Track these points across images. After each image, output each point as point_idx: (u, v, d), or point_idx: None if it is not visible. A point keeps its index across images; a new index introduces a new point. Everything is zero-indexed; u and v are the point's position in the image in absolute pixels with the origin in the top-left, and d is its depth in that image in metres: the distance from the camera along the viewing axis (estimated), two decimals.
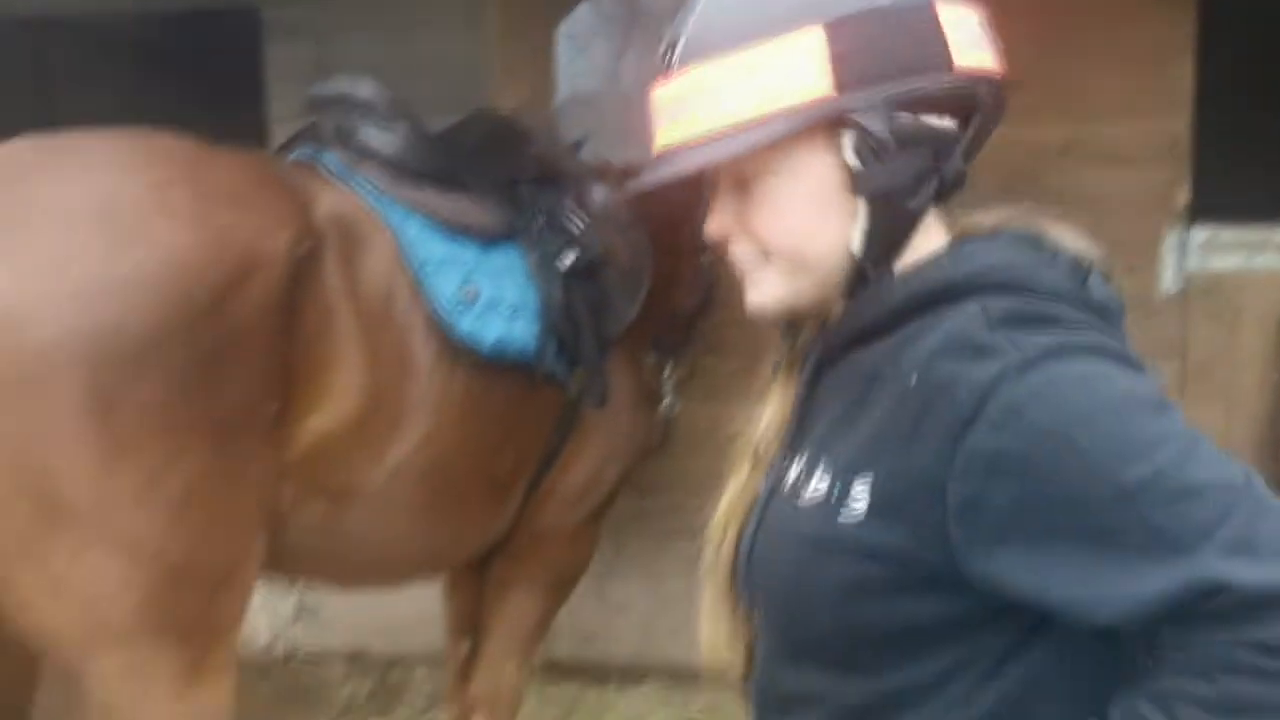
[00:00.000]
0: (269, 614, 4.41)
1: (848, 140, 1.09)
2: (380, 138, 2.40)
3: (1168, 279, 3.68)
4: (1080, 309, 1.08)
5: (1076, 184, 3.66)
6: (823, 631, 1.13)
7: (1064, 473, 0.96)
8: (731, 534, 1.26)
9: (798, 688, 1.18)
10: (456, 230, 2.38)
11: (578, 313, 2.50)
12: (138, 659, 1.86)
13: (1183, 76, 3.62)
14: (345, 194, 2.26)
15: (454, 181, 2.50)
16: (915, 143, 1.10)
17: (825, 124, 1.09)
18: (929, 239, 1.16)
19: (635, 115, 1.39)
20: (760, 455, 1.26)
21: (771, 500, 1.20)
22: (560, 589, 2.87)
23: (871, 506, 1.06)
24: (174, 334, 1.80)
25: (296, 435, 2.04)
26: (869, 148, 1.09)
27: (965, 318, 1.05)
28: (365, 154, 2.37)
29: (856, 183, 1.10)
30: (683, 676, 4.18)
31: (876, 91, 1.07)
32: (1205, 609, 0.93)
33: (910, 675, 1.09)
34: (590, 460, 2.69)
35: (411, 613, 4.30)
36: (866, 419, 1.09)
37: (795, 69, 1.07)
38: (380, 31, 4.17)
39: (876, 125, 1.08)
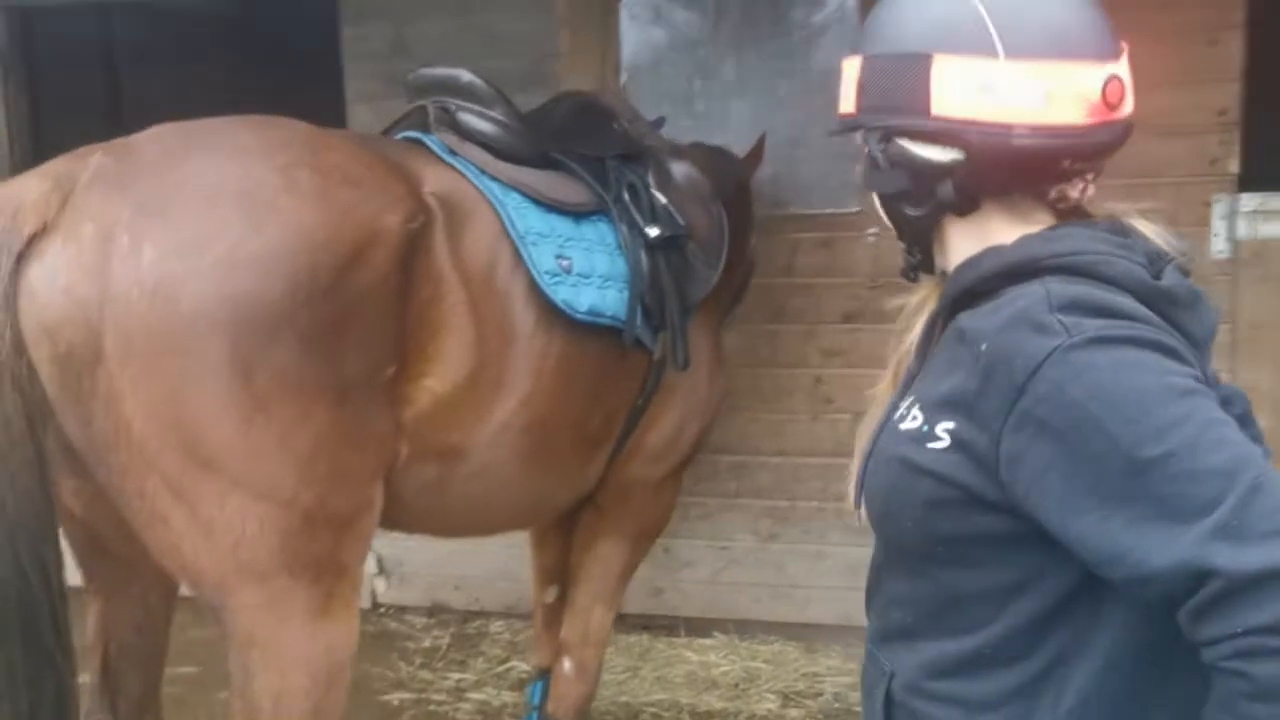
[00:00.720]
0: None
1: (865, 151, 1.41)
2: (480, 121, 2.58)
3: (1218, 245, 3.79)
4: (1147, 295, 1.24)
5: (1130, 153, 3.74)
6: (908, 537, 1.35)
7: (1089, 444, 1.13)
8: (864, 443, 1.50)
9: (891, 589, 1.42)
10: (551, 206, 2.56)
11: (663, 282, 2.69)
12: (276, 593, 2.06)
13: (1232, 50, 3.72)
14: (450, 173, 2.43)
15: (547, 160, 2.69)
16: (898, 165, 1.37)
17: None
18: (1001, 235, 1.35)
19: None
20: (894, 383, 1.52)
21: (886, 426, 1.42)
22: (644, 539, 3.07)
23: (949, 445, 1.27)
24: (304, 303, 2.00)
25: (412, 395, 2.23)
26: (870, 159, 1.40)
27: (1032, 299, 1.22)
28: (467, 136, 2.56)
29: (864, 181, 1.44)
30: (747, 629, 4.40)
31: (878, 118, 1.37)
32: (1203, 597, 1.07)
33: (974, 582, 1.30)
34: (673, 419, 2.87)
35: (488, 569, 4.56)
36: (953, 376, 1.28)
37: (848, 87, 1.41)
38: (452, 12, 4.34)
39: (873, 144, 1.38)
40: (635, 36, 4.30)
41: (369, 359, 2.12)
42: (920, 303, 1.51)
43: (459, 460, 2.38)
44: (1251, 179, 3.83)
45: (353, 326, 2.08)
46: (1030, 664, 1.27)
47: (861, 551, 4.43)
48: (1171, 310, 1.26)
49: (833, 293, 4.18)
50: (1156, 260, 1.30)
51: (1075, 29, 1.30)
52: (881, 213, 1.46)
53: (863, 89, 1.37)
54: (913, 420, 1.33)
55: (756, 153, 3.65)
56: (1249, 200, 3.77)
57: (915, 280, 1.50)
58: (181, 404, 1.95)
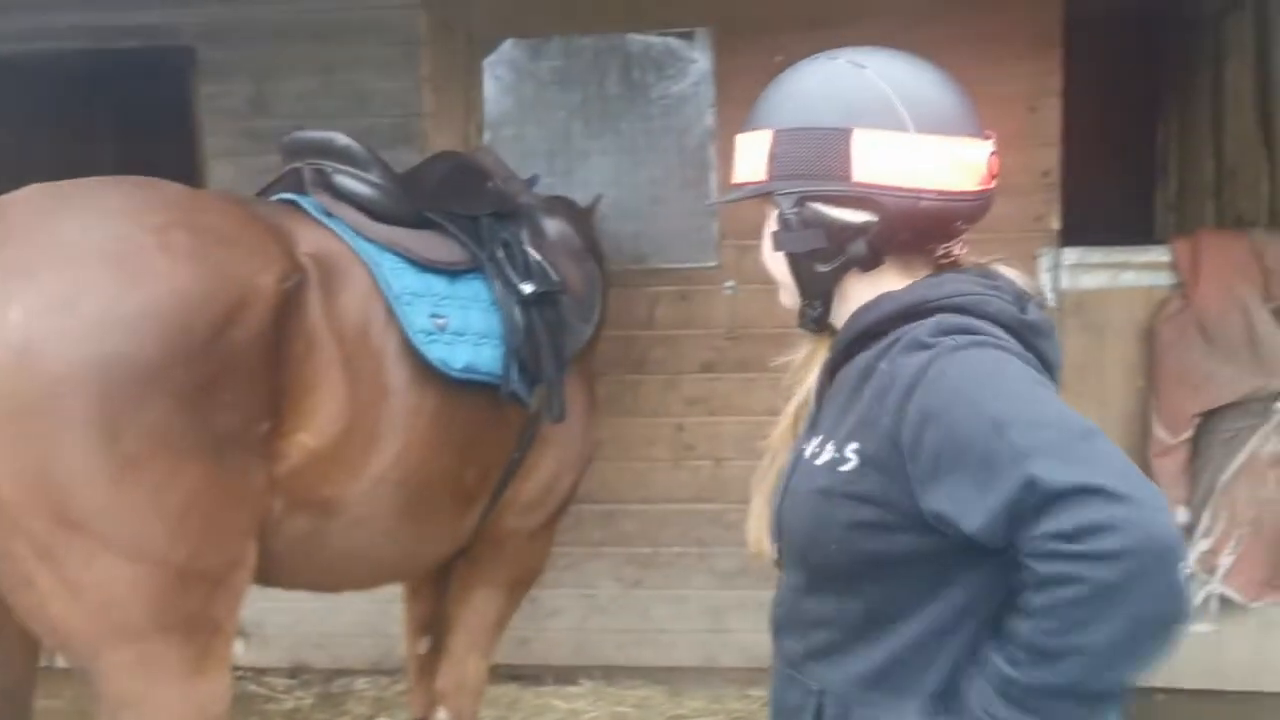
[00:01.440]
0: None
1: (774, 213, 1.54)
2: (355, 183, 2.65)
3: (1043, 296, 4.08)
4: (1017, 327, 1.45)
5: None
6: (833, 560, 1.48)
7: (965, 419, 1.30)
8: (768, 487, 1.65)
9: (815, 612, 1.54)
10: (426, 265, 2.63)
11: (538, 336, 2.77)
12: (148, 653, 2.06)
13: (1051, 116, 4.04)
14: (325, 234, 2.48)
15: (422, 220, 2.75)
16: (814, 226, 1.51)
17: (768, 197, 1.54)
18: (904, 283, 1.52)
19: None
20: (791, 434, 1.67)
21: (796, 467, 1.56)
22: (519, 588, 3.13)
23: (859, 464, 1.42)
24: (176, 362, 2.02)
25: (286, 451, 2.26)
26: (783, 221, 1.53)
27: (920, 328, 1.41)
28: (342, 197, 2.62)
29: (774, 241, 1.56)
30: (613, 675, 4.46)
31: (792, 184, 1.51)
32: (1025, 507, 1.24)
33: (899, 594, 1.44)
34: (548, 469, 2.95)
35: (350, 626, 4.52)
36: (858, 405, 1.45)
37: (756, 156, 1.55)
38: (314, 70, 4.37)
39: (787, 207, 1.52)
40: (498, 96, 4.40)
41: (242, 416, 2.15)
42: (808, 357, 1.68)
43: (333, 514, 2.41)
44: (1071, 234, 4.15)
45: (226, 384, 2.10)
46: (945, 656, 1.43)
47: (723, 595, 4.60)
48: (1035, 339, 1.47)
49: (692, 343, 4.33)
50: (1020, 299, 1.51)
51: (962, 111, 1.51)
52: (785, 271, 1.58)
53: (774, 158, 1.51)
54: (825, 454, 1.48)
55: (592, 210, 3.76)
56: (1070, 254, 4.08)
57: (815, 331, 1.63)
58: (49, 465, 1.95)
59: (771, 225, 1.56)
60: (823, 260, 1.53)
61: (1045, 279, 4.07)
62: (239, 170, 4.27)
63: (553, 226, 3.04)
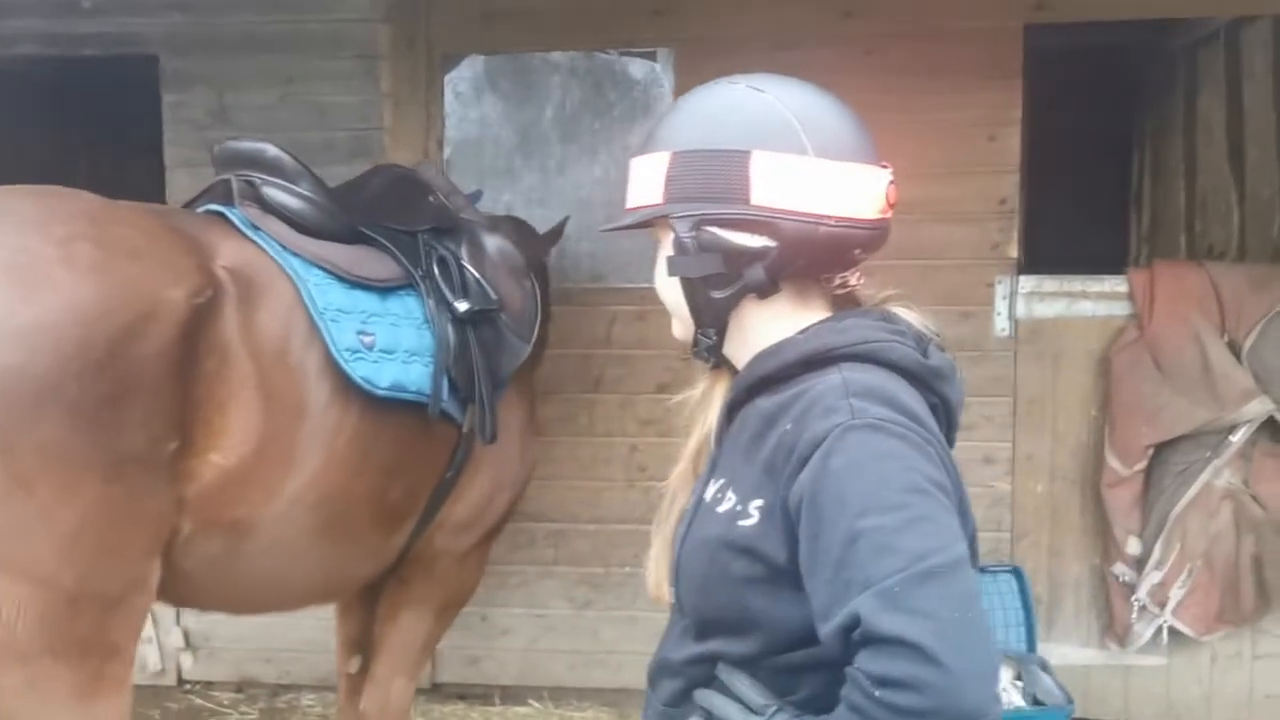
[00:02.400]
0: (159, 642, 4.51)
1: (670, 237, 1.48)
2: (284, 195, 2.61)
3: (1000, 324, 4.06)
4: (920, 373, 1.43)
5: (921, 237, 4.02)
6: (722, 612, 1.45)
7: (831, 518, 1.28)
8: (669, 529, 1.61)
9: (699, 651, 1.50)
10: (355, 282, 2.59)
11: (472, 355, 2.74)
12: (38, 675, 2.03)
13: (1011, 145, 4.02)
14: (249, 247, 2.45)
15: (355, 234, 2.72)
16: (711, 250, 1.46)
17: (662, 221, 1.49)
18: (790, 318, 1.50)
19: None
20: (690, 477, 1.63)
21: (697, 512, 1.53)
22: (448, 611, 3.09)
23: (759, 520, 1.39)
24: (72, 377, 1.99)
25: (196, 470, 2.22)
26: (679, 244, 1.47)
27: (829, 386, 1.38)
28: (271, 210, 2.58)
29: (670, 266, 1.49)
30: (562, 696, 4.43)
31: (689, 207, 1.46)
32: (850, 635, 1.24)
33: (777, 643, 1.42)
34: (481, 490, 2.91)
35: (299, 641, 4.48)
36: (761, 453, 1.42)
37: (650, 179, 1.50)
38: (276, 82, 4.35)
39: (683, 230, 1.47)
40: (460, 112, 4.38)
41: (147, 434, 2.11)
42: (705, 394, 1.64)
43: (247, 535, 2.37)
44: (1033, 261, 4.13)
45: (129, 401, 2.07)
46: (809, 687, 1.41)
47: None
48: (938, 383, 1.46)
49: (648, 364, 4.29)
50: (921, 341, 1.49)
51: (861, 138, 1.48)
52: (679, 299, 1.52)
53: (670, 180, 1.47)
54: (727, 502, 1.45)
55: (556, 233, 3.74)
56: (1026, 282, 4.05)
57: (708, 360, 1.59)
58: None
59: (666, 250, 1.51)
60: (718, 286, 1.48)
61: (1001, 306, 4.04)
62: (198, 180, 4.17)
63: (493, 243, 2.99)
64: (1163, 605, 3.92)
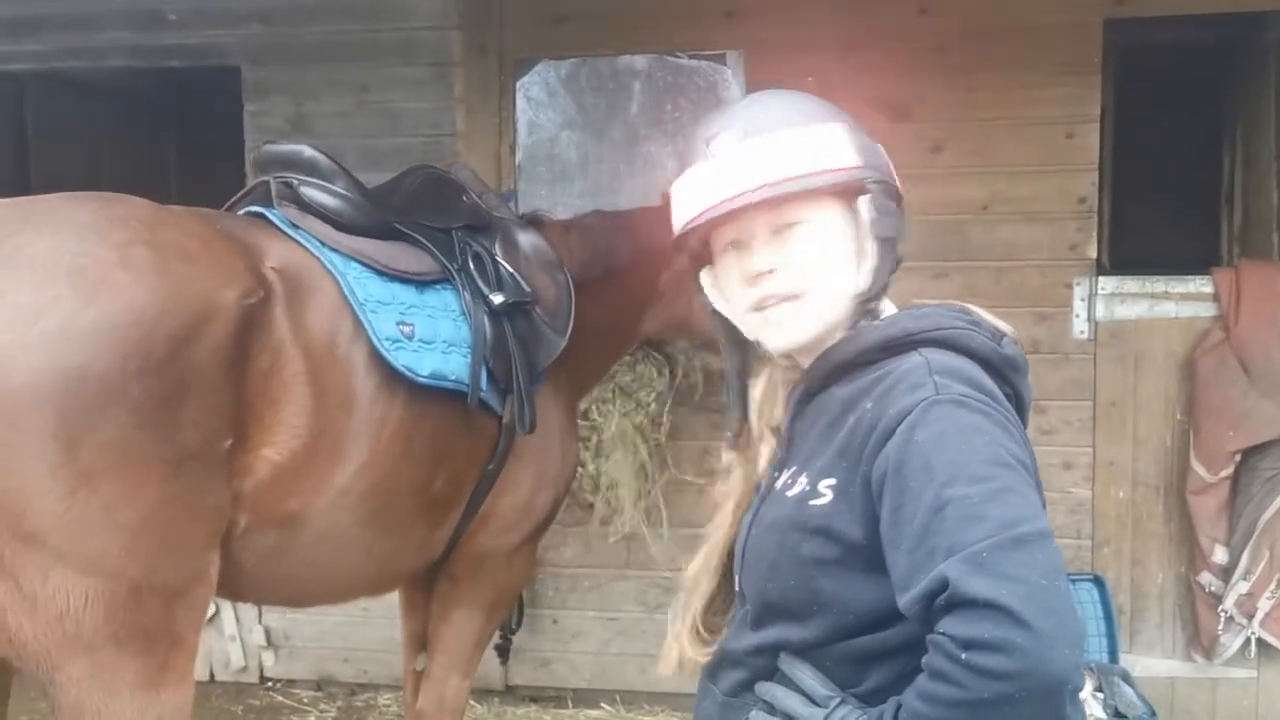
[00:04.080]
0: (242, 640, 4.62)
1: (864, 200, 1.51)
2: (321, 194, 2.66)
3: (1079, 325, 3.95)
4: (997, 363, 1.45)
5: (994, 239, 3.95)
6: (789, 595, 1.45)
7: (916, 488, 1.29)
8: (721, 540, 1.64)
9: (760, 641, 1.50)
10: (392, 275, 2.63)
11: (509, 346, 2.76)
12: (104, 665, 2.07)
13: (1089, 142, 3.92)
14: (292, 246, 2.50)
15: (390, 231, 2.76)
16: (894, 212, 1.53)
17: (846, 187, 1.51)
18: (885, 301, 1.55)
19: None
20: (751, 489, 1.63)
21: (764, 502, 1.54)
22: (498, 609, 3.10)
23: (831, 499, 1.41)
24: (134, 376, 2.03)
25: (251, 465, 2.27)
26: (879, 206, 1.51)
27: (912, 365, 1.40)
28: (309, 209, 2.63)
29: (873, 227, 1.50)
30: (634, 699, 4.42)
31: (876, 173, 1.52)
32: (936, 601, 1.22)
33: (841, 628, 1.42)
34: (525, 486, 2.92)
35: (376, 640, 4.54)
36: (837, 437, 1.43)
37: (834, 146, 1.51)
38: (351, 90, 4.44)
39: (878, 194, 1.51)
40: (530, 116, 4.42)
41: (204, 431, 2.16)
42: (769, 386, 1.64)
43: (299, 527, 2.41)
44: (1119, 262, 4.02)
45: (187, 400, 2.12)
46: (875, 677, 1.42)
47: None
48: (1012, 374, 1.48)
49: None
50: (996, 335, 1.50)
51: None
52: (873, 260, 1.51)
53: (860, 148, 1.53)
54: (798, 486, 1.46)
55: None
56: (1106, 283, 3.94)
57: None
58: (5, 477, 1.97)
59: (862, 213, 1.51)
60: (896, 246, 1.54)
61: (1080, 308, 3.94)
62: None
63: (525, 239, 3.02)
64: (1250, 616, 3.78)
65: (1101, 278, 3.95)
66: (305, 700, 4.56)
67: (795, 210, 1.50)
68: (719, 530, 1.67)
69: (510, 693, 4.50)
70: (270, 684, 4.63)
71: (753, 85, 4.16)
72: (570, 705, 4.46)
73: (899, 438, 1.32)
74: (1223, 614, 3.81)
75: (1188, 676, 3.99)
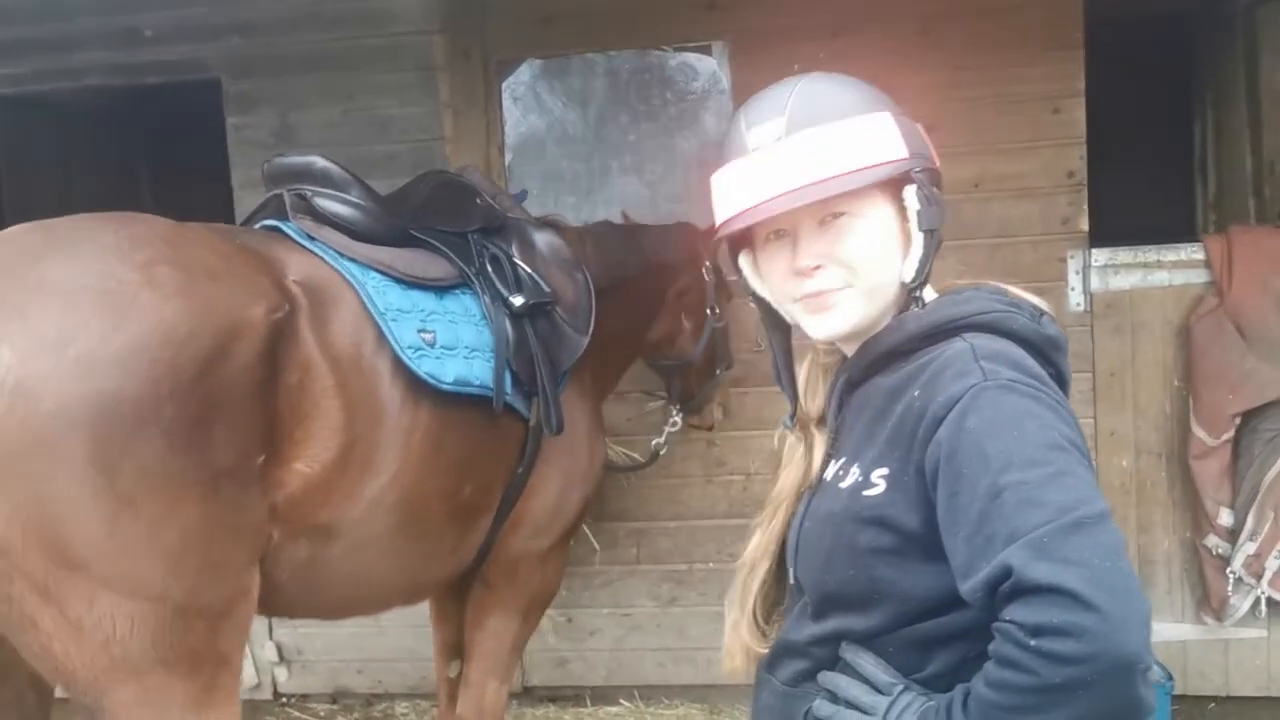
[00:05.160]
0: (254, 657, 4.59)
1: (910, 190, 1.49)
2: (336, 204, 2.64)
3: (1075, 298, 3.99)
4: (1039, 343, 1.46)
5: (987, 216, 3.99)
6: (847, 586, 1.46)
7: (972, 475, 1.29)
8: (775, 532, 1.64)
9: (820, 631, 1.51)
10: (411, 282, 2.62)
11: (532, 348, 2.76)
12: (153, 689, 2.06)
13: (1076, 117, 3.96)
14: (311, 259, 2.48)
15: (406, 238, 2.75)
16: (939, 202, 1.52)
17: (888, 182, 1.49)
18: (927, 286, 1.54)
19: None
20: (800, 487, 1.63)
21: (815, 495, 1.55)
22: (534, 611, 3.10)
23: (885, 489, 1.41)
24: (167, 398, 2.02)
25: (283, 480, 2.26)
26: (925, 196, 1.49)
27: (958, 352, 1.40)
28: (324, 220, 2.61)
29: (920, 219, 1.49)
30: (652, 694, 4.44)
31: (922, 161, 1.51)
32: (1000, 588, 1.22)
33: (901, 615, 1.42)
34: (554, 487, 2.93)
35: (390, 650, 4.54)
36: (885, 426, 1.43)
37: (882, 138, 1.49)
38: (337, 99, 4.41)
39: (924, 184, 1.50)
40: (518, 117, 4.42)
41: (237, 449, 2.14)
42: (813, 373, 1.67)
43: (331, 538, 2.41)
44: (1098, 235, 4.07)
45: (219, 419, 2.10)
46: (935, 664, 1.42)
47: None
48: (1055, 354, 1.49)
49: None
50: (1035, 314, 1.50)
51: None
52: (920, 250, 1.50)
53: (906, 137, 1.50)
54: (850, 477, 1.47)
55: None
56: (1099, 255, 3.99)
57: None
58: (45, 505, 1.95)
59: (909, 204, 1.49)
60: (940, 235, 1.53)
61: (1075, 281, 3.98)
62: None
63: (542, 239, 3.02)
64: (1259, 576, 3.84)
65: (1094, 250, 3.99)
66: (322, 714, 4.55)
67: (843, 203, 1.48)
68: (777, 516, 1.66)
69: (528, 694, 4.50)
70: (285, 700, 4.61)
71: (739, 76, 4.19)
72: (589, 703, 4.47)
73: (950, 425, 1.32)
74: (1231, 575, 3.87)
75: (1199, 639, 4.06)
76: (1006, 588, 1.21)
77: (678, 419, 3.86)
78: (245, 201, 4.52)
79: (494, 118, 4.37)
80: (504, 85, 4.39)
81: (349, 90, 4.40)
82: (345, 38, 4.38)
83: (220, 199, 4.64)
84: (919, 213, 1.49)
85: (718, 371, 3.84)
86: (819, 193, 1.45)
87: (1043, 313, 1.52)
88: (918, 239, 1.50)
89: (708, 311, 3.64)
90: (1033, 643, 1.18)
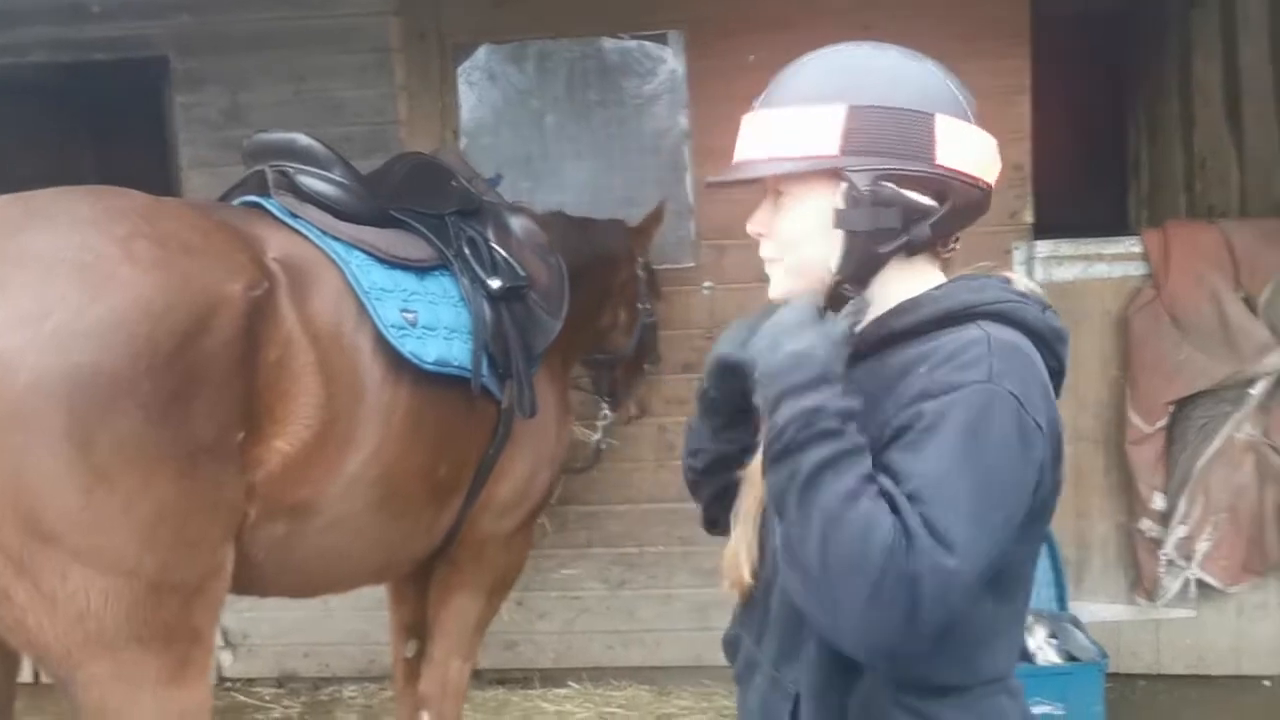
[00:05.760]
0: None
1: (840, 188, 1.48)
2: (319, 183, 2.64)
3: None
4: (1047, 336, 1.47)
5: None
6: None
7: (934, 442, 1.33)
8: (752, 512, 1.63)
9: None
10: (393, 262, 2.63)
11: (507, 331, 2.79)
12: (126, 663, 2.06)
13: (1023, 110, 4.07)
14: (292, 236, 2.48)
15: (387, 218, 2.76)
16: (888, 204, 1.47)
17: (829, 172, 1.49)
18: (921, 277, 1.52)
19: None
20: None
21: None
22: (499, 591, 3.14)
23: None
24: (145, 372, 2.01)
25: (262, 458, 2.26)
26: (851, 197, 1.47)
27: (972, 340, 1.40)
28: (307, 198, 2.61)
29: (837, 219, 1.49)
30: (601, 676, 4.48)
31: (870, 161, 1.47)
32: (891, 492, 1.31)
33: None
34: (523, 469, 2.96)
35: (337, 634, 4.53)
36: (893, 403, 1.43)
37: (821, 130, 1.48)
38: (288, 79, 4.38)
39: (862, 183, 1.47)
40: (473, 102, 4.41)
41: (216, 425, 2.14)
42: None
43: (309, 516, 2.41)
44: (1045, 232, 4.19)
45: (197, 394, 2.10)
46: None
47: (708, 593, 4.63)
48: (1059, 347, 1.51)
49: (673, 344, 4.33)
50: (1042, 306, 1.52)
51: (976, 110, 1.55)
52: (817, 253, 1.51)
53: (849, 133, 1.46)
54: None
55: (655, 218, 3.88)
56: (1042, 247, 4.11)
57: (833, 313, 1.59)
58: (20, 477, 1.95)
59: (819, 203, 1.49)
60: (884, 241, 1.48)
61: (1020, 272, 4.08)
62: (215, 180, 4.23)
63: (517, 223, 3.06)
64: (1189, 558, 4.00)
65: (1038, 242, 4.11)
66: (268, 698, 4.52)
67: (783, 183, 1.53)
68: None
69: (477, 677, 4.48)
70: (230, 684, 4.57)
71: (694, 64, 4.24)
72: (538, 685, 4.50)
73: (938, 403, 1.35)
74: (1163, 558, 4.02)
75: (1132, 619, 4.21)
76: (898, 501, 1.30)
77: (608, 413, 3.89)
78: (193, 180, 4.47)
79: (449, 102, 4.37)
80: (459, 70, 4.38)
81: (301, 71, 4.37)
82: (297, 17, 4.34)
83: (163, 178, 4.58)
84: (839, 211, 1.49)
85: (645, 367, 3.89)
86: (743, 172, 1.53)
87: (1047, 305, 1.53)
88: (836, 236, 1.50)
89: (640, 307, 3.71)
90: (875, 536, 1.27)
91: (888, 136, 1.47)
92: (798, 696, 1.53)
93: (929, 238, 1.49)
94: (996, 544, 1.33)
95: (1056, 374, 1.49)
